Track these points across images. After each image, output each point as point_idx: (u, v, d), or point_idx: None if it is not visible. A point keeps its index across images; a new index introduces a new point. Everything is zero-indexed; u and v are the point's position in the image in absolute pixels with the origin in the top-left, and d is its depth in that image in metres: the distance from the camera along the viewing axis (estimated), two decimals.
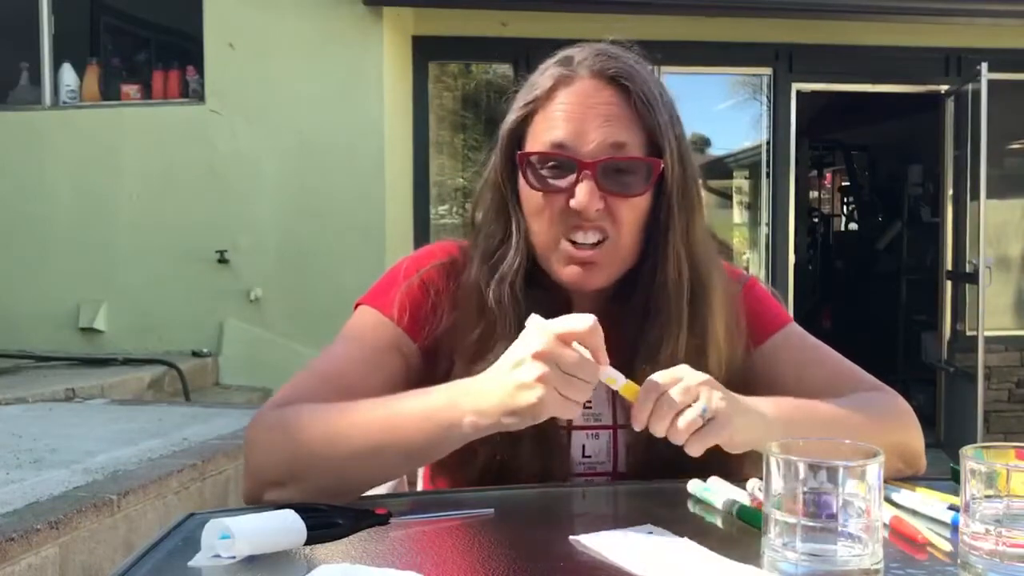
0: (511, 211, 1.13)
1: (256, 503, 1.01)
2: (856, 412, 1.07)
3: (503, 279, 1.11)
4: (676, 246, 1.11)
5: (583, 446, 1.17)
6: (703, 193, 1.19)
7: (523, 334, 0.93)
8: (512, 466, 1.11)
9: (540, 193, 1.09)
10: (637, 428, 0.94)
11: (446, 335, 1.14)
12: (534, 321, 0.93)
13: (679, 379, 0.94)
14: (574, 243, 1.08)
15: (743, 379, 1.16)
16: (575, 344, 0.90)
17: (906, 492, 1.00)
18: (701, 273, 1.13)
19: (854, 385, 1.16)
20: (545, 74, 1.11)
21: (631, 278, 1.14)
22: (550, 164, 1.08)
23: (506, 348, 0.98)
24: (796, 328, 1.24)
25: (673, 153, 1.09)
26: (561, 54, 1.13)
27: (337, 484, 0.99)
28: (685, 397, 0.93)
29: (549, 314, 1.00)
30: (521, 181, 1.11)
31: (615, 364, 0.97)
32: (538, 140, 1.10)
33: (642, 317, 1.13)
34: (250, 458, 1.03)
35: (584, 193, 1.05)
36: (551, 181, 1.08)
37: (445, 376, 1.06)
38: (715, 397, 0.94)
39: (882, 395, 1.15)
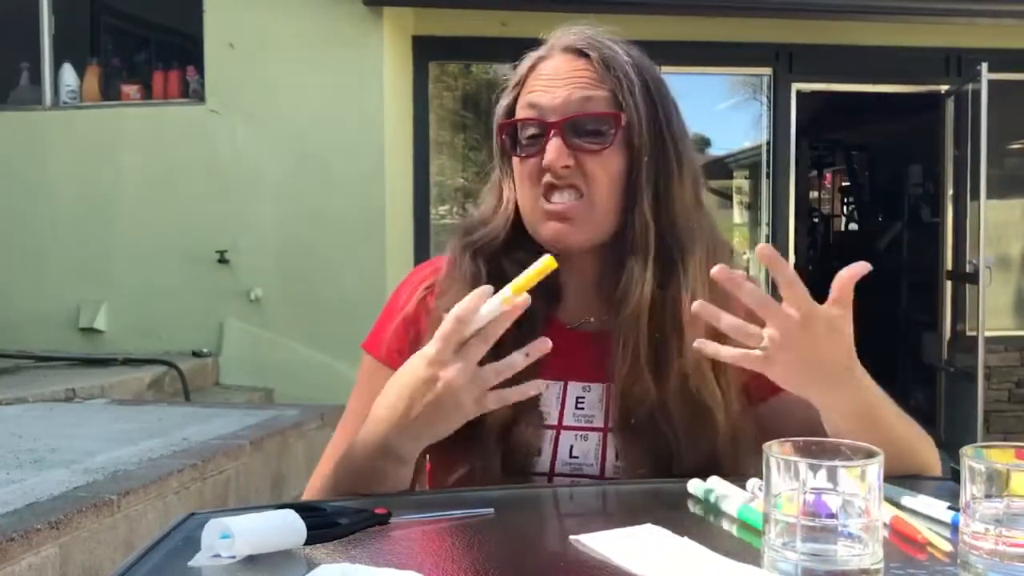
0: (504, 187, 1.20)
1: None
2: (914, 425, 1.09)
3: (468, 245, 1.17)
4: (643, 201, 1.13)
5: (571, 446, 1.16)
6: (698, 171, 1.20)
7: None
8: (484, 431, 1.11)
9: (517, 158, 1.16)
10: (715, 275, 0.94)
11: None
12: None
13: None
14: (549, 201, 1.13)
15: (773, 413, 1.17)
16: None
17: (906, 494, 1.00)
18: (676, 232, 1.14)
19: None
20: (525, 59, 1.20)
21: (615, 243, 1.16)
22: (525, 132, 1.15)
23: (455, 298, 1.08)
24: None
25: (637, 109, 1.12)
26: (545, 40, 1.21)
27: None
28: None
29: (540, 297, 1.09)
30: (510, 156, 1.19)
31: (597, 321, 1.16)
32: (517, 115, 1.17)
33: (615, 275, 1.15)
34: None
35: (552, 150, 1.10)
36: (525, 145, 1.15)
37: None
38: (789, 342, 0.93)
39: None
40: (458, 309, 0.96)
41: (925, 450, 1.10)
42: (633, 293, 1.12)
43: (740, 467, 1.14)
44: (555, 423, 1.16)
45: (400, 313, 1.20)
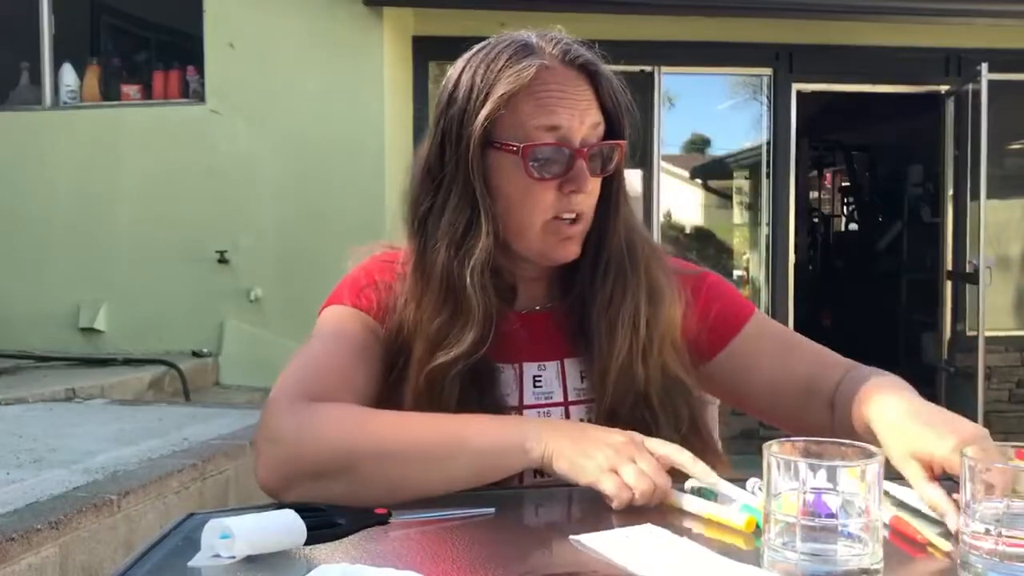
0: (479, 199, 1.13)
1: (280, 496, 1.01)
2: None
3: (475, 267, 1.13)
4: (626, 214, 1.21)
5: None
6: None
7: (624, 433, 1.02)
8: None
9: (534, 180, 1.13)
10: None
11: (401, 325, 1.18)
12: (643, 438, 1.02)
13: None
14: (561, 221, 1.15)
15: (723, 371, 1.25)
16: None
17: (906, 489, 1.00)
18: (646, 236, 1.25)
19: (836, 362, 1.23)
20: (513, 65, 1.12)
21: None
22: (548, 154, 1.12)
23: (475, 335, 1.12)
24: (762, 314, 1.32)
25: (628, 134, 1.20)
26: (516, 41, 1.16)
27: (389, 485, 1.01)
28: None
29: (499, 294, 1.16)
30: (506, 168, 1.13)
31: (572, 322, 1.20)
32: (524, 129, 1.12)
33: (591, 279, 1.20)
34: (281, 449, 1.02)
35: (582, 177, 1.13)
36: (547, 168, 1.13)
37: (404, 367, 1.15)
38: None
39: (879, 370, 1.19)
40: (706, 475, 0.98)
41: None
42: (628, 295, 1.18)
43: (714, 443, 1.25)
44: (516, 403, 1.20)
45: (362, 278, 1.23)
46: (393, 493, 0.99)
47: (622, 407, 1.17)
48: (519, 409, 1.20)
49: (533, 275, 1.23)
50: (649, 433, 1.11)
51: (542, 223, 1.15)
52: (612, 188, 1.20)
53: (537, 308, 1.25)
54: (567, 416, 1.22)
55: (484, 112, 1.11)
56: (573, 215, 1.15)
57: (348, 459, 1.00)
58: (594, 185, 1.16)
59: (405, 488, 1.01)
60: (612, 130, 1.17)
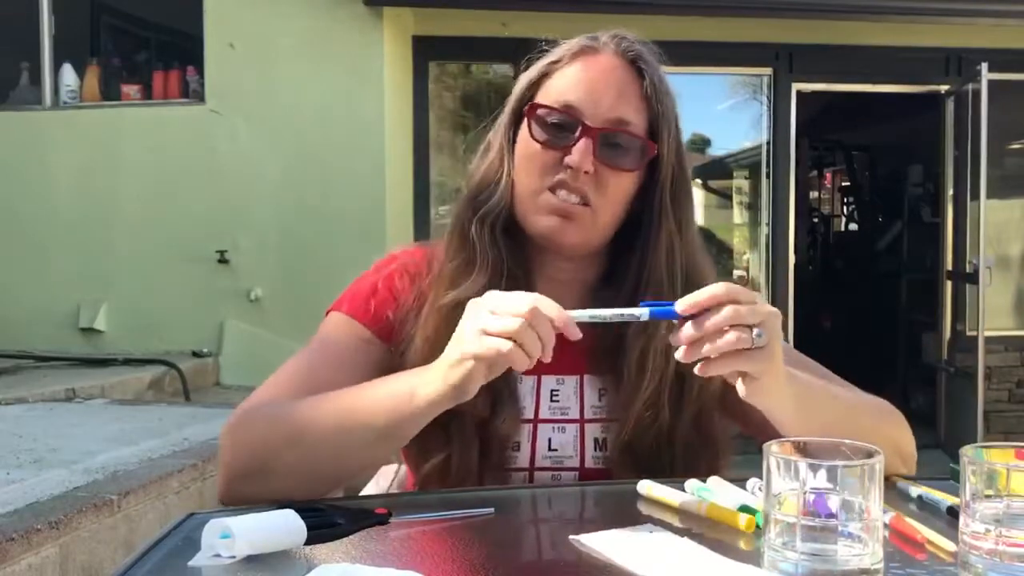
0: (505, 159, 1.17)
1: (229, 503, 1.04)
2: (861, 403, 1.10)
3: (483, 218, 1.16)
4: (670, 234, 1.15)
5: (549, 439, 1.17)
6: (695, 198, 1.23)
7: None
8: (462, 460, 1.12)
9: (537, 144, 1.13)
10: (678, 309, 0.90)
11: (414, 313, 1.17)
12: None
13: (752, 299, 0.91)
14: (559, 197, 1.13)
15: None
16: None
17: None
18: (696, 263, 1.18)
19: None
20: (571, 43, 1.17)
21: (620, 265, 1.19)
22: (555, 120, 1.13)
23: (483, 279, 1.11)
24: (786, 345, 1.26)
25: (670, 143, 1.15)
26: (588, 34, 1.19)
27: (307, 471, 1.03)
28: (750, 317, 0.90)
29: (523, 272, 1.16)
30: (522, 131, 1.16)
31: (599, 339, 1.12)
32: (550, 96, 1.15)
33: (631, 297, 1.14)
34: (222, 458, 1.07)
35: (580, 152, 1.10)
36: (552, 135, 1.13)
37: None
38: (775, 328, 0.92)
39: (877, 398, 1.16)
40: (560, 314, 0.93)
41: (894, 428, 1.11)
42: (661, 324, 1.10)
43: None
44: (531, 417, 1.17)
45: (369, 284, 1.21)
46: (313, 483, 1.02)
47: (641, 442, 1.14)
48: (534, 423, 1.17)
49: (553, 274, 1.19)
50: (664, 474, 1.09)
51: (540, 196, 1.13)
52: (655, 199, 1.16)
53: None
54: (582, 435, 1.18)
55: (527, 76, 1.18)
56: (574, 200, 1.12)
57: (264, 457, 1.03)
58: (606, 176, 1.12)
59: (324, 476, 1.04)
60: (653, 135, 1.15)
